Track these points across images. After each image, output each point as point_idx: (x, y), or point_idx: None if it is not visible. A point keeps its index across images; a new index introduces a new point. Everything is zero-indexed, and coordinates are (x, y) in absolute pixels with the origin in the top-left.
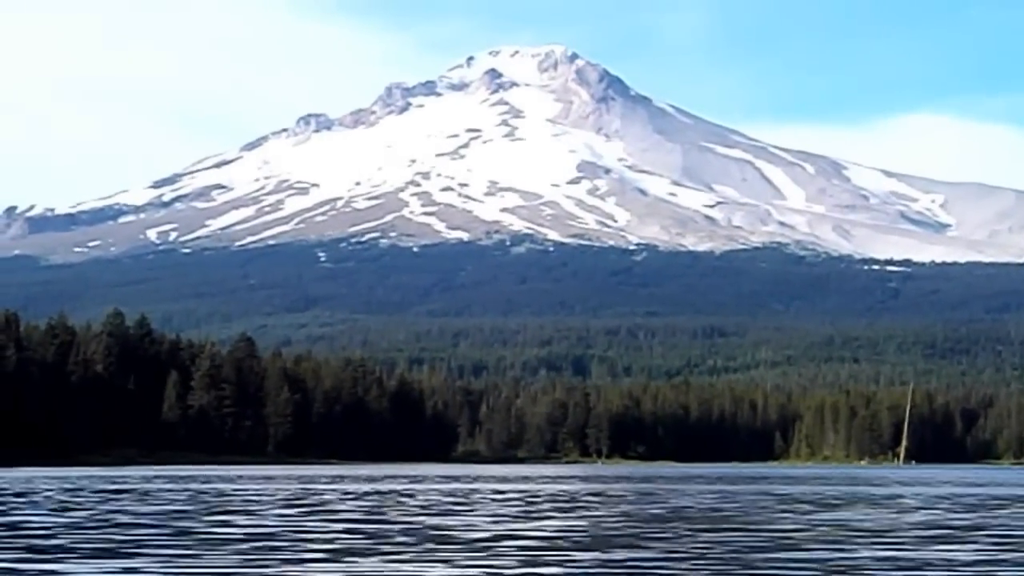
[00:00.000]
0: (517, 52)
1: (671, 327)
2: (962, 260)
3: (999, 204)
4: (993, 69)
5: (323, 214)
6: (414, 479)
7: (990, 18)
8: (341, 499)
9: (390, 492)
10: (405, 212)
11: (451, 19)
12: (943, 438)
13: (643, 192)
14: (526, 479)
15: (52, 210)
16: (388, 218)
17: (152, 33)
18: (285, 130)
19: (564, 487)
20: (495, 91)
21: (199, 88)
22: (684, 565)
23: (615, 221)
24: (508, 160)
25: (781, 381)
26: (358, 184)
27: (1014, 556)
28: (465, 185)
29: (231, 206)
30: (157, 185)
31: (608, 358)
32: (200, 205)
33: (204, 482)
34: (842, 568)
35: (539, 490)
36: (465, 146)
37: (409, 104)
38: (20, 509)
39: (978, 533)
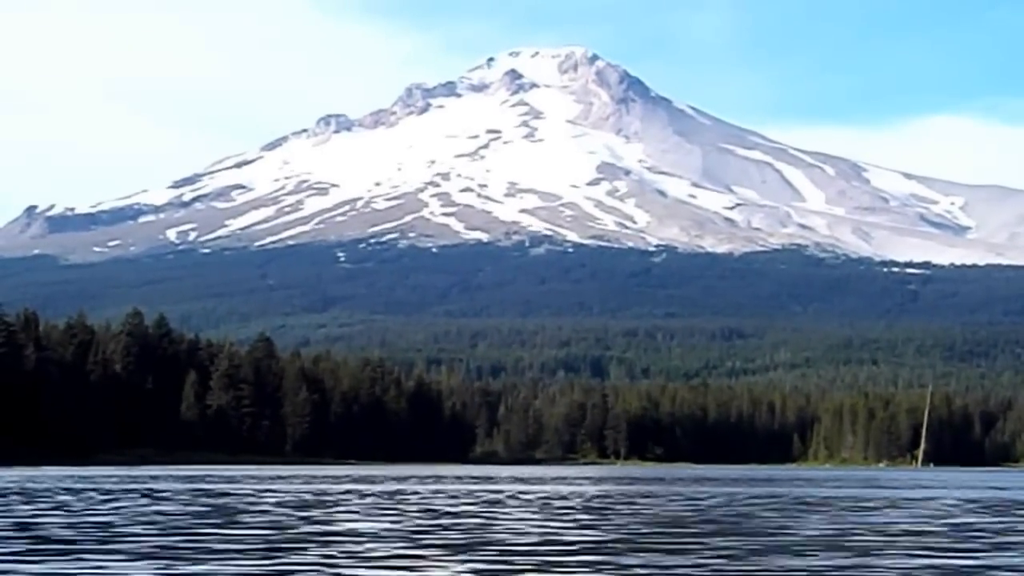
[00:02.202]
0: (537, 53)
1: (690, 329)
2: (982, 263)
3: (1019, 207)
4: (1017, 71)
5: (342, 214)
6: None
7: (1013, 20)
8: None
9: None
10: (424, 213)
11: (472, 20)
12: (962, 441)
13: (662, 193)
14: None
15: (72, 209)
16: (407, 219)
17: (173, 33)
18: (305, 130)
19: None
20: (515, 92)
21: (219, 88)
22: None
23: (634, 222)
24: (528, 161)
25: (799, 383)
26: (378, 185)
27: None
28: (484, 186)
29: (251, 206)
30: (177, 185)
31: (626, 359)
32: (220, 205)
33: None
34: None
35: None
36: (485, 147)
37: (429, 105)
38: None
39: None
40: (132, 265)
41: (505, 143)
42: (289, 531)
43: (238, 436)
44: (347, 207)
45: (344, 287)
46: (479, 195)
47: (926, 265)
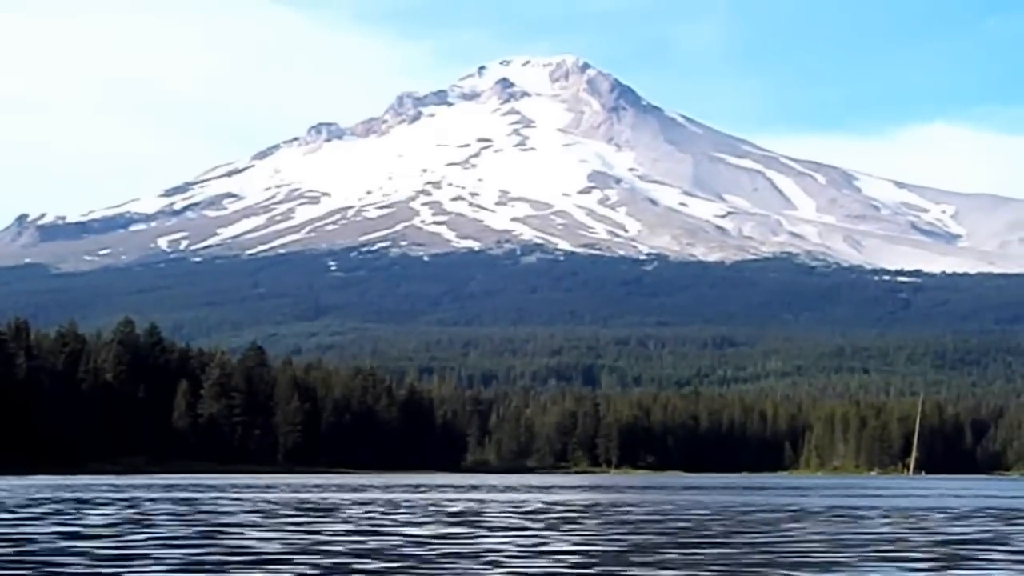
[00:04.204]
0: (528, 62)
1: (681, 337)
2: (972, 271)
3: (1010, 215)
4: (1007, 81)
5: (334, 223)
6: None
7: (1004, 30)
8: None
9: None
10: (416, 221)
11: (464, 29)
12: (953, 449)
13: (653, 202)
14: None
15: (63, 218)
16: (399, 227)
17: (164, 42)
18: (296, 139)
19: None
20: (506, 101)
21: (211, 97)
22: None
23: (625, 231)
24: (519, 170)
25: (791, 391)
26: (369, 193)
27: None
28: (476, 194)
29: (242, 215)
30: (168, 194)
31: (618, 368)
32: (211, 214)
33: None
34: None
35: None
36: (476, 155)
37: (420, 113)
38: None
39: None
40: (123, 274)
41: (496, 152)
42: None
43: (230, 445)
44: (338, 216)
45: (335, 295)
46: (470, 204)
47: (917, 273)
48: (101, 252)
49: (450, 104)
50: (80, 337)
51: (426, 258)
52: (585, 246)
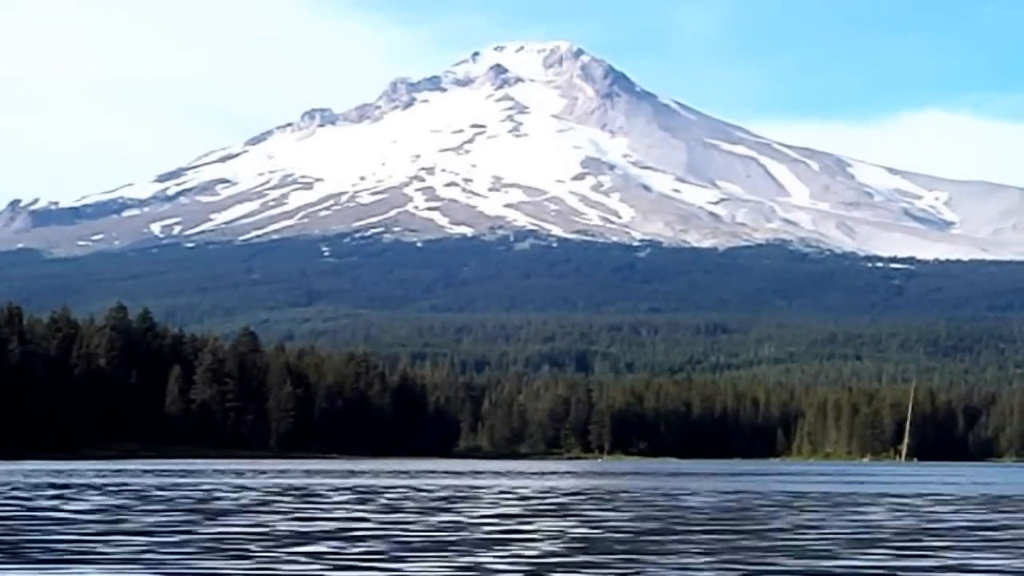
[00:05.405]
0: (522, 47)
1: (674, 323)
2: (966, 258)
3: (1003, 202)
4: (1001, 68)
5: (327, 209)
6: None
7: (999, 16)
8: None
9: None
10: (409, 207)
11: (457, 15)
12: (945, 436)
13: (647, 188)
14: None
15: (56, 203)
16: (392, 213)
17: (157, 27)
18: (290, 124)
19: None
20: (500, 86)
21: (204, 82)
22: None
23: (619, 217)
24: (512, 156)
25: (784, 378)
26: (362, 179)
27: None
28: (469, 180)
29: (235, 200)
30: (161, 179)
31: (611, 354)
32: (204, 199)
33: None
34: None
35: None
36: (469, 141)
37: (414, 99)
38: None
39: None
40: (116, 259)
41: (490, 138)
42: None
43: (222, 431)
44: (331, 201)
45: (328, 281)
46: (464, 190)
47: (910, 260)
48: (94, 237)
49: (444, 90)
50: (73, 322)
51: (419, 244)
52: (578, 232)
